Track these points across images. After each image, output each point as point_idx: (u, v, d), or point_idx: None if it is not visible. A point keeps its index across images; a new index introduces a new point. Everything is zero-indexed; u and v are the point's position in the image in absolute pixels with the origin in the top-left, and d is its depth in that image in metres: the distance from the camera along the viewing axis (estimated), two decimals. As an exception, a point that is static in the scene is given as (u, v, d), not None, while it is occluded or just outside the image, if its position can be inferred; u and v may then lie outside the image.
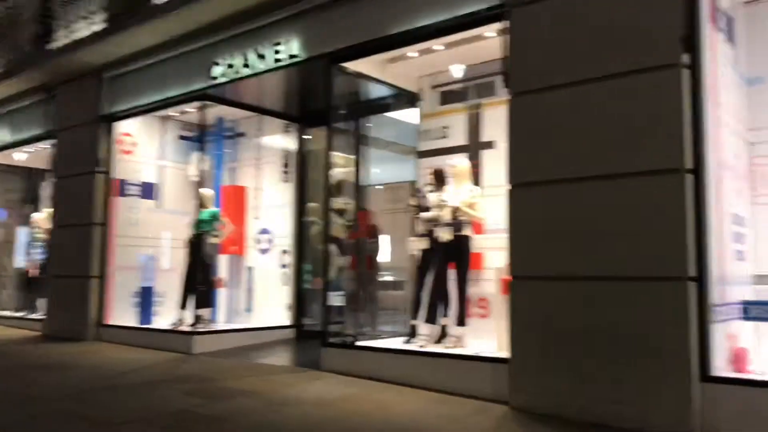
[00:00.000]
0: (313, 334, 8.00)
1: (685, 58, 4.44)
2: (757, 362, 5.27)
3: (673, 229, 4.33)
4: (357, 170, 7.73)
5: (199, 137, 9.29)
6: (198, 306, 8.33)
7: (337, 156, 7.42)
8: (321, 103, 7.22)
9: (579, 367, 4.61)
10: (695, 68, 4.48)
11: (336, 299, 6.89)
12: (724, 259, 4.73)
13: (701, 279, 4.34)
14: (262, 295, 9.57)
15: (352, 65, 7.02)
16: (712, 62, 4.69)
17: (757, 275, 5.43)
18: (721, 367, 4.43)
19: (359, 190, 7.71)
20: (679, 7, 4.42)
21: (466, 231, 6.45)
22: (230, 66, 7.82)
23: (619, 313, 4.47)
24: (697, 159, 4.42)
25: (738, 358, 4.82)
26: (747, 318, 4.62)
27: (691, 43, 4.44)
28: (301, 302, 9.31)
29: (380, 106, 8.13)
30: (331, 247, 7.13)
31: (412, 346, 6.35)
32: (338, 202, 7.33)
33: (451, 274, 6.50)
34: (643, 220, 4.45)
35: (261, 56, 7.48)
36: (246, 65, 7.64)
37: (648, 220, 4.43)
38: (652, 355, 4.29)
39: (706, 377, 4.24)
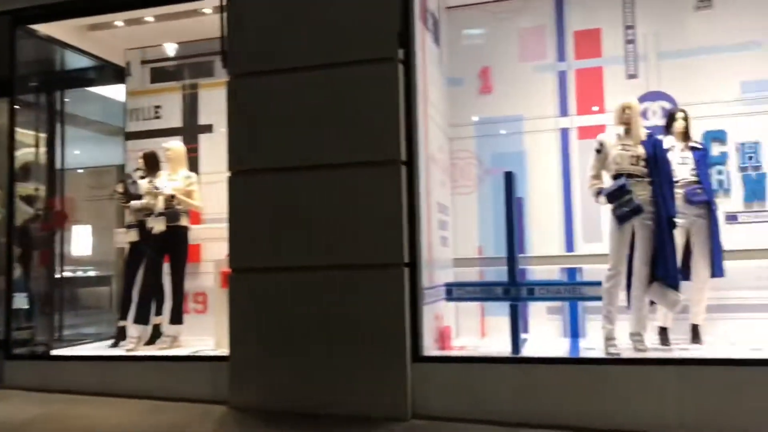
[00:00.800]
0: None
1: (401, 54, 4.59)
2: (458, 338, 5.82)
3: (390, 219, 4.46)
4: (50, 151, 6.65)
5: None
6: None
7: (24, 134, 6.30)
8: (3, 71, 6.04)
9: (301, 359, 4.53)
10: (409, 64, 4.66)
11: (21, 301, 5.85)
12: (432, 246, 5.06)
13: (414, 265, 4.55)
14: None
15: (43, 28, 6.00)
16: (422, 60, 4.95)
17: (456, 258, 5.97)
18: (429, 346, 4.73)
19: (53, 174, 6.65)
20: (396, 2, 4.55)
21: (183, 221, 5.97)
22: None
23: (341, 302, 4.48)
24: (410, 151, 4.61)
25: (443, 337, 5.23)
26: (450, 299, 5.00)
27: (406, 39, 4.60)
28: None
29: (80, 78, 7.14)
30: (15, 239, 6.02)
31: (119, 351, 5.69)
32: (26, 188, 6.24)
33: (166, 268, 5.98)
34: (362, 210, 4.51)
35: None
36: None
37: (367, 210, 4.50)
38: (373, 341, 4.39)
39: (418, 357, 4.47)
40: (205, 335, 5.85)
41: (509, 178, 4.86)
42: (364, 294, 4.46)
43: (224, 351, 4.91)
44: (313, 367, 4.50)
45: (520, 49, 6.03)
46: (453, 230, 6.02)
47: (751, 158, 5.41)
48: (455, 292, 4.98)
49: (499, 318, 5.33)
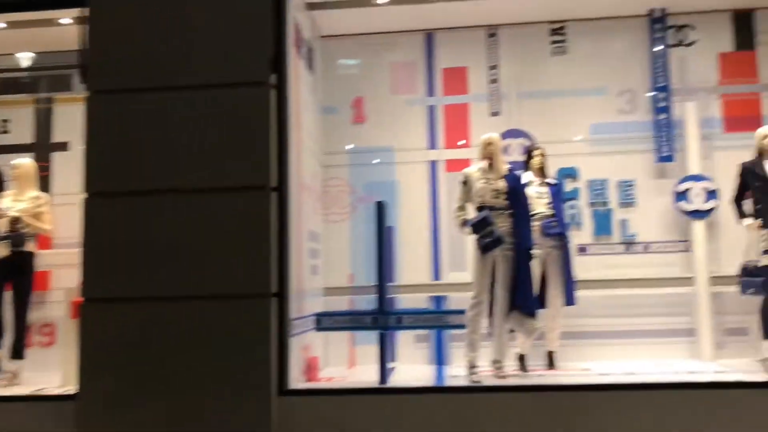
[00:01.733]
0: None
1: (273, 79, 4.53)
2: (326, 369, 5.75)
3: (258, 247, 4.33)
4: None
5: None
6: None
7: None
8: None
9: (160, 395, 4.25)
10: (281, 89, 4.61)
11: None
12: (302, 275, 4.99)
13: (282, 295, 4.44)
14: None
15: None
16: (295, 86, 4.92)
17: (327, 287, 5.94)
18: (296, 378, 4.62)
19: None
20: (268, 27, 4.49)
21: (29, 246, 5.47)
22: None
23: (204, 335, 4.27)
24: (281, 177, 4.53)
25: (311, 368, 5.14)
26: (319, 329, 4.92)
27: (279, 64, 4.55)
28: None
29: None
30: None
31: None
32: None
33: (8, 297, 5.44)
34: (229, 237, 4.35)
35: None
36: None
37: (235, 237, 4.35)
38: (237, 375, 4.21)
39: (284, 391, 4.35)
40: (50, 371, 5.36)
41: (381, 207, 4.92)
42: (228, 326, 4.28)
43: (72, 388, 4.50)
44: (173, 403, 4.24)
45: (391, 81, 6.18)
46: (324, 258, 5.99)
47: (599, 194, 5.85)
48: (324, 321, 4.91)
49: (368, 347, 5.33)
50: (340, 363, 5.90)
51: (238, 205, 4.39)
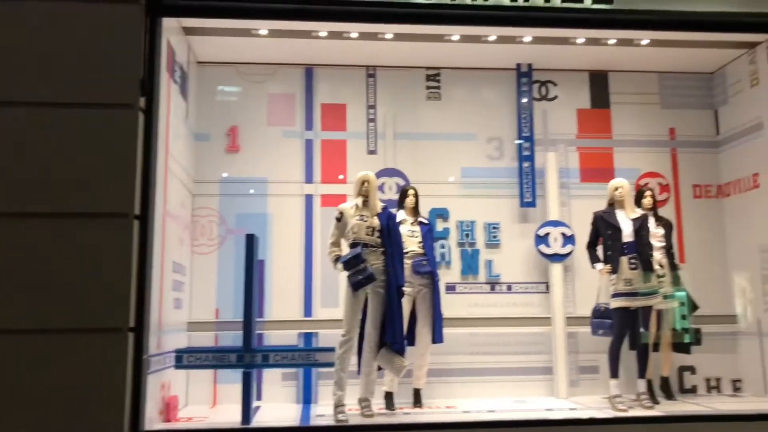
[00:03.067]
0: None
1: (142, 102, 4.32)
2: (186, 408, 5.44)
3: (117, 278, 4.05)
4: None
5: None
6: None
7: None
8: None
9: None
10: (150, 113, 4.40)
11: None
12: (163, 308, 4.72)
13: (139, 329, 4.17)
14: None
15: None
16: (166, 110, 4.72)
17: (191, 322, 5.65)
18: (153, 418, 4.33)
19: None
20: (140, 49, 4.29)
21: None
22: None
23: (54, 371, 3.90)
24: (145, 205, 4.29)
25: (169, 407, 4.83)
26: (179, 367, 4.66)
27: (149, 88, 4.35)
28: None
29: None
30: None
31: None
32: None
33: None
34: (86, 266, 4.02)
35: None
36: None
37: (92, 266, 4.03)
38: (88, 414, 3.87)
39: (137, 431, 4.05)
40: None
41: (251, 240, 4.78)
42: (81, 362, 3.93)
43: None
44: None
45: (269, 112, 6.10)
46: (190, 291, 5.72)
47: (467, 235, 6.05)
48: (185, 359, 4.65)
49: (232, 385, 5.11)
50: (202, 401, 5.62)
51: (97, 232, 4.10)
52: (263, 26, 5.18)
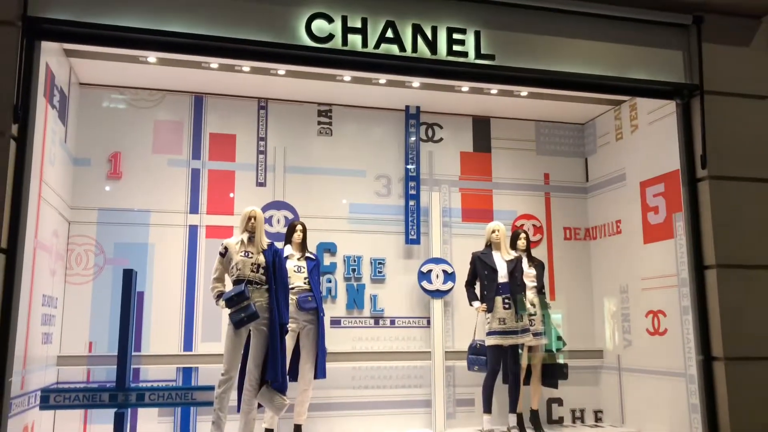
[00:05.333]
0: None
1: (15, 129, 4.11)
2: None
3: (-24, 318, 3.81)
4: None
5: None
6: None
7: None
8: None
9: None
10: (24, 141, 4.19)
11: None
12: (30, 345, 4.46)
13: (2, 371, 3.93)
14: None
15: None
16: (42, 137, 4.50)
17: (61, 356, 5.36)
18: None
19: None
20: (13, 75, 4.09)
21: None
22: None
23: None
24: (13, 238, 4.07)
25: (31, 451, 4.56)
26: (44, 407, 4.35)
27: (23, 114, 4.15)
28: None
29: None
30: None
31: None
32: None
33: None
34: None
35: None
36: None
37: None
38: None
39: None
40: None
41: (128, 276, 4.59)
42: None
43: None
44: None
45: (155, 139, 5.94)
46: (61, 324, 5.43)
47: (354, 270, 6.16)
48: (52, 399, 4.37)
49: (105, 425, 4.89)
50: (70, 441, 5.33)
51: (-44, 266, 3.84)
52: (152, 55, 5.06)
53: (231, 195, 6.03)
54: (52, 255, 5.08)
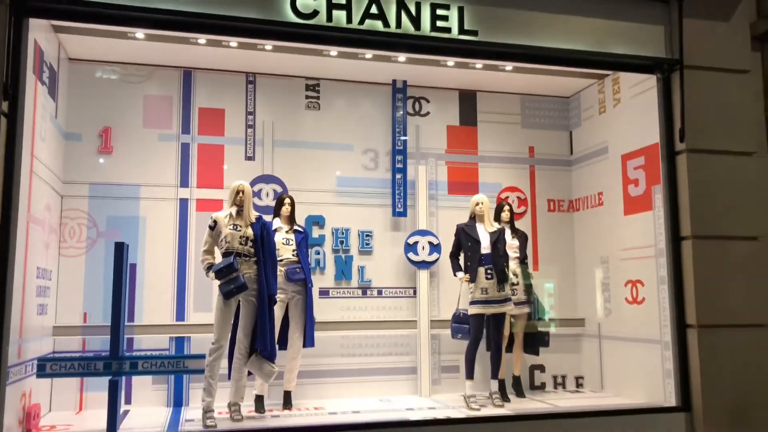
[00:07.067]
0: None
1: (5, 106, 4.20)
2: (50, 414, 5.34)
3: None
4: None
5: None
6: None
7: None
8: None
9: None
10: (14, 117, 4.29)
11: None
12: (25, 316, 4.61)
13: (-1, 341, 4.09)
14: None
15: None
16: (32, 113, 4.59)
17: (57, 326, 5.52)
18: (11, 427, 4.26)
19: None
20: (2, 52, 4.16)
21: None
22: None
23: None
24: (6, 214, 4.19)
25: (29, 416, 4.74)
26: (41, 375, 4.52)
27: (12, 92, 4.23)
28: None
29: None
30: None
31: None
32: None
33: None
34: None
35: None
36: None
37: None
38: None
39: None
40: None
41: (119, 249, 4.73)
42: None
43: None
44: None
45: (145, 114, 6.02)
46: (57, 295, 5.58)
47: (342, 242, 6.30)
48: (48, 367, 4.54)
49: (100, 392, 5.07)
50: (67, 408, 5.52)
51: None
52: (140, 30, 5.12)
53: (225, 167, 6.14)
54: (45, 228, 5.20)
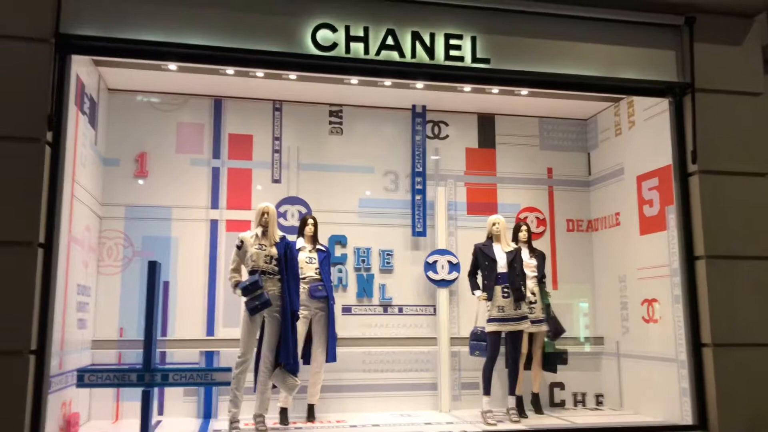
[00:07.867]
0: None
1: (49, 136, 4.56)
2: (89, 423, 5.65)
3: (19, 304, 4.29)
4: None
5: None
6: None
7: None
8: None
9: None
10: (57, 146, 4.64)
11: None
12: (66, 330, 4.94)
13: (42, 352, 4.41)
14: None
15: None
16: (73, 141, 4.96)
17: (95, 340, 5.86)
18: (53, 434, 4.57)
19: None
20: (47, 85, 4.53)
21: None
22: None
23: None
24: (50, 233, 4.54)
25: (69, 424, 5.05)
26: (81, 386, 4.82)
27: (56, 122, 4.60)
28: None
29: None
30: None
31: None
32: None
33: None
34: (-9, 292, 4.26)
35: None
36: None
37: (-2, 293, 4.27)
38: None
39: (38, 450, 4.28)
40: None
41: (153, 267, 5.03)
42: (-23, 384, 4.15)
43: None
44: None
45: (178, 140, 6.39)
46: (94, 311, 5.92)
47: (363, 261, 6.54)
48: (86, 378, 4.84)
49: (134, 402, 5.35)
50: (104, 417, 5.83)
51: (2, 258, 4.32)
52: (173, 63, 5.47)
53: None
54: (85, 248, 5.56)
